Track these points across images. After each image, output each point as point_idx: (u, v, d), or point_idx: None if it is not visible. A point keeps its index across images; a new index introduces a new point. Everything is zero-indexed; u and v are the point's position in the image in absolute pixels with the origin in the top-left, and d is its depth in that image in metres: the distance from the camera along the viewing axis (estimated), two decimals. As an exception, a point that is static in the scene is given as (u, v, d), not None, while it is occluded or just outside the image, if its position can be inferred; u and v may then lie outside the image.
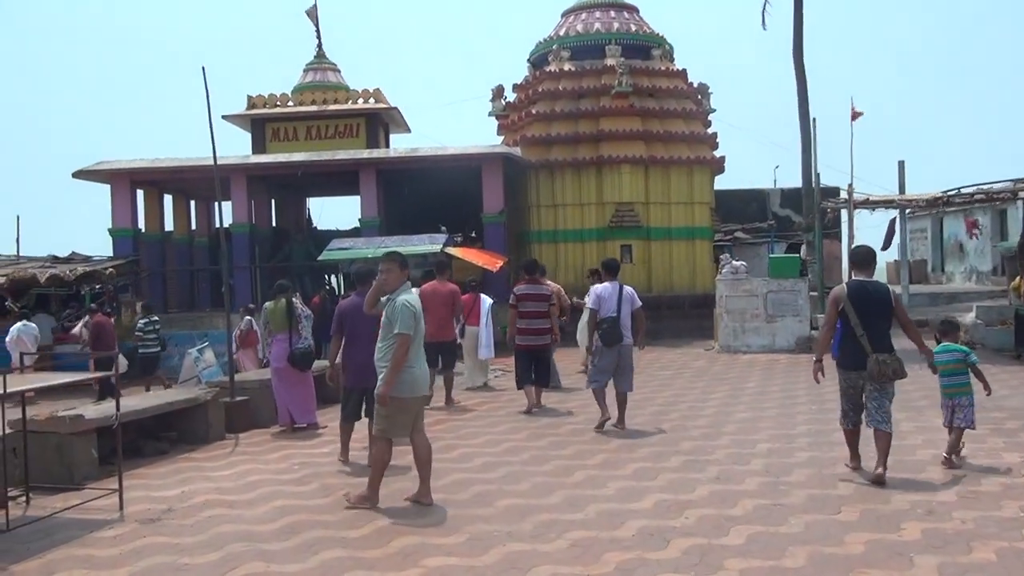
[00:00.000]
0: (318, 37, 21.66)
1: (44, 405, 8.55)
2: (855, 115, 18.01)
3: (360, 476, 6.77)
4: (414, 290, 6.52)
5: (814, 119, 17.10)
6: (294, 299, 9.68)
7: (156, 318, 15.68)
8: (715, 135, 20.59)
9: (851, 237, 18.00)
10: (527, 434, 8.62)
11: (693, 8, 64.17)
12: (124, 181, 18.85)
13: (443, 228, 17.77)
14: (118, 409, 6.25)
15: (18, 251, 24.12)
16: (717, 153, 20.66)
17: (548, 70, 20.38)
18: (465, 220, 21.97)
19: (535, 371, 10.22)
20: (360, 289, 7.54)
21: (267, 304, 9.72)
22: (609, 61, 20.04)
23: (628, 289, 8.82)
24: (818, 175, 17.43)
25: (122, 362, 15.48)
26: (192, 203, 22.60)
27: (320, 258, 16.89)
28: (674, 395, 11.08)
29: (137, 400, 8.37)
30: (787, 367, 13.79)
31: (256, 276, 19.18)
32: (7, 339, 14.67)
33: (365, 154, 19.02)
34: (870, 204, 17.11)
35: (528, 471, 6.93)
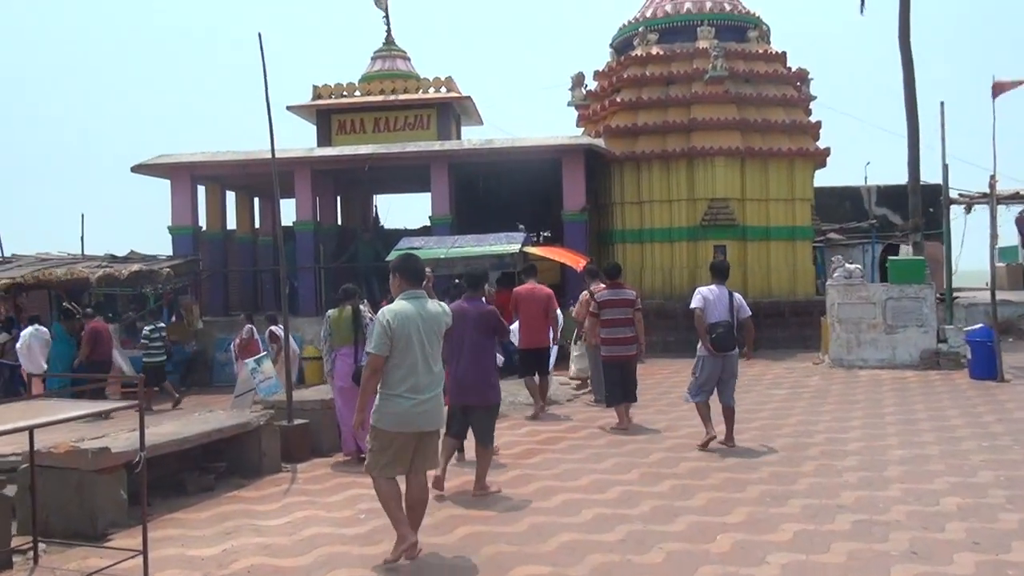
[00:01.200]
0: (387, 23, 20.55)
1: (70, 428, 7.34)
2: (1003, 88, 15.69)
3: (453, 510, 5.42)
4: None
5: (942, 103, 15.18)
6: (361, 306, 8.37)
7: (162, 325, 14.95)
8: (818, 124, 18.71)
9: (983, 236, 15.95)
10: (639, 473, 7.11)
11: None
12: (184, 176, 17.95)
13: (521, 226, 16.37)
14: (143, 443, 4.95)
15: (82, 250, 23.69)
16: (820, 144, 18.77)
17: (634, 55, 18.79)
18: (542, 218, 20.65)
19: (624, 386, 9.35)
20: (469, 294, 6.77)
21: (330, 312, 8.45)
22: (701, 44, 18.36)
23: (737, 296, 8.22)
24: (946, 166, 15.47)
25: (120, 366, 14.41)
26: (256, 200, 21.82)
27: (388, 258, 15.58)
28: (802, 421, 9.42)
29: (178, 426, 7.13)
30: (921, 387, 11.97)
31: (320, 277, 18.12)
32: (17, 345, 13.84)
33: (437, 146, 17.75)
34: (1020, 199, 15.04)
35: (651, 533, 5.43)
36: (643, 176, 18.27)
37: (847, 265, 15.10)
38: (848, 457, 7.58)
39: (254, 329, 14.35)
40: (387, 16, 20.46)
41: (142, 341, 14.28)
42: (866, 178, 32.76)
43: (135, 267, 15.47)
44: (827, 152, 18.71)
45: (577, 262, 15.61)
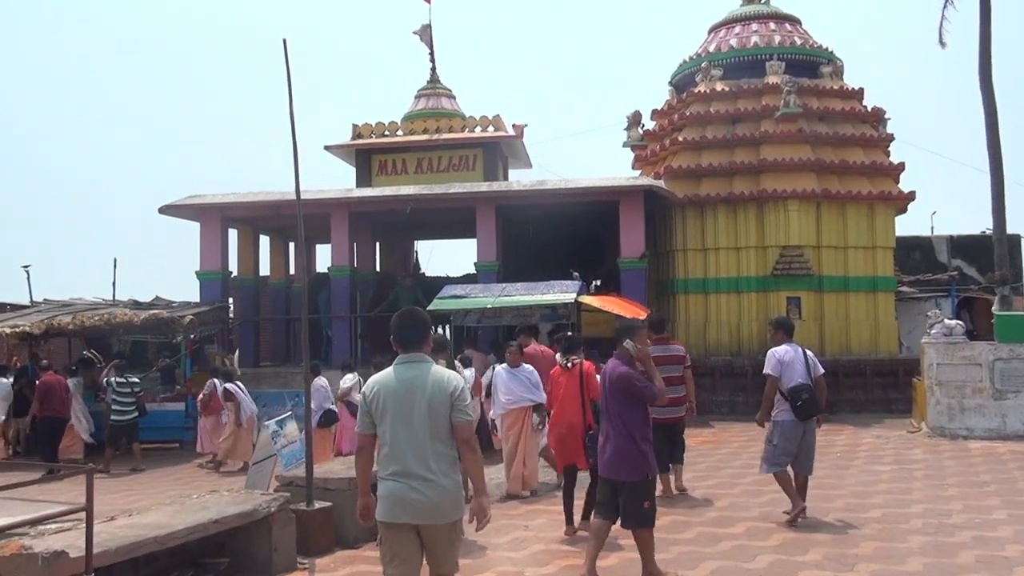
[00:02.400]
0: (432, 59, 19.53)
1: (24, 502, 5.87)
2: None
3: None
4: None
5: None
6: (457, 362, 7.01)
7: (135, 379, 13.53)
8: (901, 166, 17.11)
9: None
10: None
11: (855, 21, 59.74)
12: (214, 218, 16.89)
13: (575, 274, 15.00)
14: (90, 551, 3.52)
15: (114, 295, 22.83)
16: (902, 187, 17.17)
17: (696, 91, 17.47)
18: (593, 266, 19.26)
19: (670, 449, 8.56)
20: (619, 353, 5.86)
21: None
22: (771, 79, 16.98)
23: (810, 353, 7.68)
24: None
25: (82, 428, 13.52)
26: (291, 245, 20.72)
27: (430, 307, 14.30)
28: (929, 511, 7.72)
29: (166, 515, 5.72)
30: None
31: (356, 326, 16.83)
32: None
33: (484, 187, 16.52)
34: None
35: None
36: (708, 221, 16.82)
37: (946, 321, 13.38)
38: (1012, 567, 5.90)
39: (216, 383, 13.25)
40: (432, 51, 19.48)
41: (112, 397, 13.03)
42: (932, 228, 30.84)
43: (144, 314, 14.29)
44: (911, 196, 17.12)
45: (637, 315, 14.12)
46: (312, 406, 9.80)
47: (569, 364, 7.45)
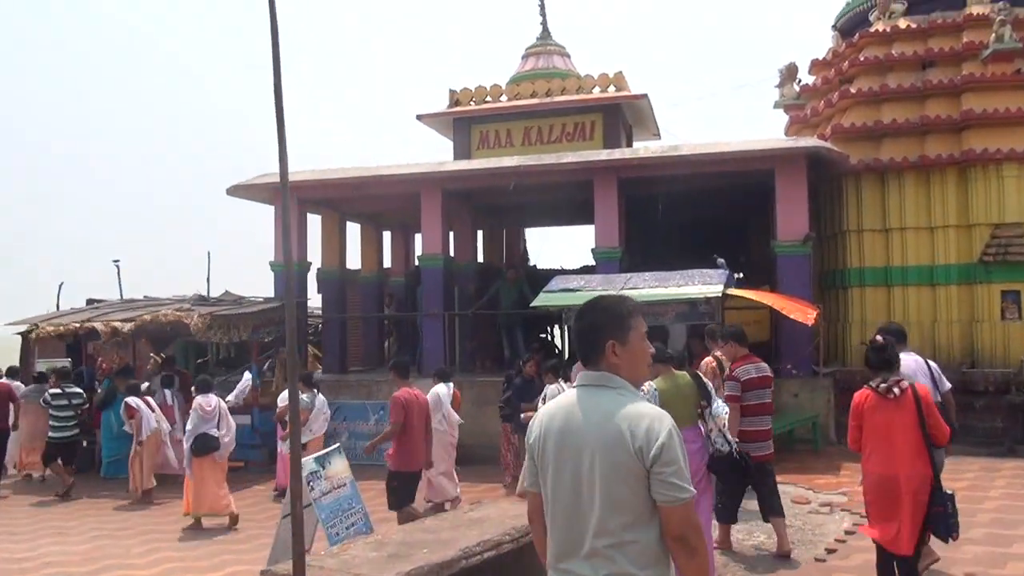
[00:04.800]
0: (543, 12, 16.58)
1: None
2: None
3: None
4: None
5: None
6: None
7: (78, 390, 11.96)
8: None
9: None
10: None
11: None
12: (289, 200, 14.51)
13: (720, 261, 11.85)
14: None
15: (208, 291, 21.38)
16: None
17: (873, 31, 13.89)
18: (737, 254, 15.91)
19: (758, 494, 7.07)
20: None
21: (656, 385, 6.10)
22: (975, 9, 13.21)
23: (933, 364, 6.62)
24: None
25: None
26: (387, 235, 18.53)
27: (534, 303, 11.53)
28: None
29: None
30: None
31: (450, 325, 14.18)
32: None
33: (604, 155, 13.48)
34: None
35: None
36: (891, 193, 13.23)
37: None
38: None
39: (167, 393, 11.80)
40: (543, 4, 16.56)
41: (51, 414, 11.56)
42: None
43: (199, 312, 12.04)
44: None
45: (805, 312, 10.80)
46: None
47: (896, 389, 5.24)
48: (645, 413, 2.50)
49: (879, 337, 5.96)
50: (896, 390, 5.22)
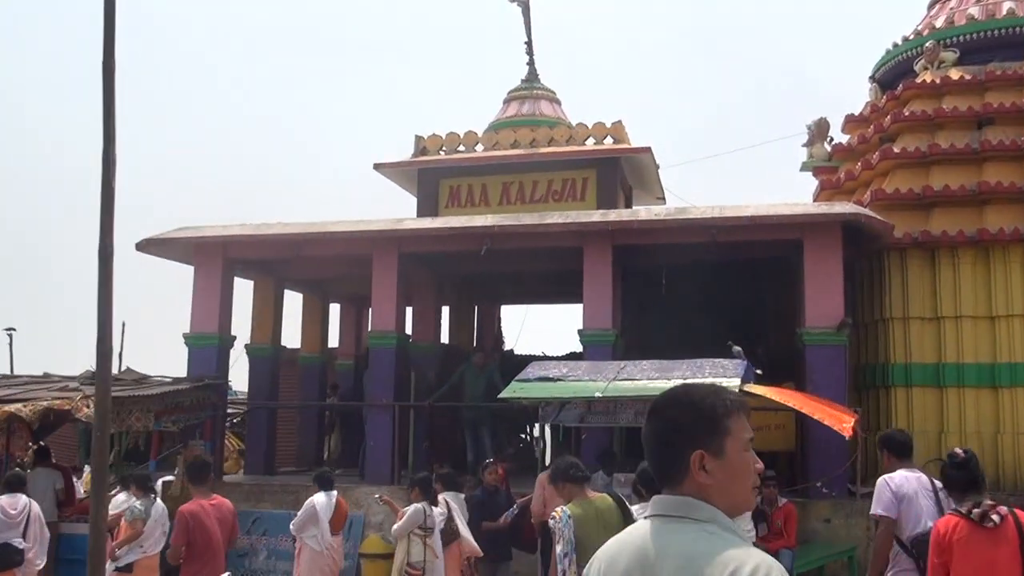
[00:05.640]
0: (529, 49, 16.39)
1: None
2: None
3: None
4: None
5: None
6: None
7: None
8: None
9: None
10: None
11: None
12: (213, 258, 13.98)
13: (735, 348, 11.29)
14: None
15: (120, 365, 20.73)
16: None
17: (919, 81, 13.76)
18: (752, 343, 15.40)
19: None
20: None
21: (568, 510, 5.90)
22: (1043, 60, 13.09)
23: (937, 483, 6.18)
24: None
25: None
26: (336, 308, 18.18)
27: (502, 394, 10.93)
28: None
29: None
30: None
31: (403, 420, 13.51)
32: None
33: (597, 216, 13.06)
34: None
35: None
36: (942, 273, 12.80)
37: None
38: None
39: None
40: (530, 42, 16.38)
41: None
42: None
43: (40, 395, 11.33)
44: None
45: (840, 419, 10.14)
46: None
47: (994, 516, 4.79)
48: (743, 558, 2.12)
49: (959, 450, 5.44)
50: (995, 517, 4.74)
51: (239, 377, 16.30)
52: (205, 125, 63.48)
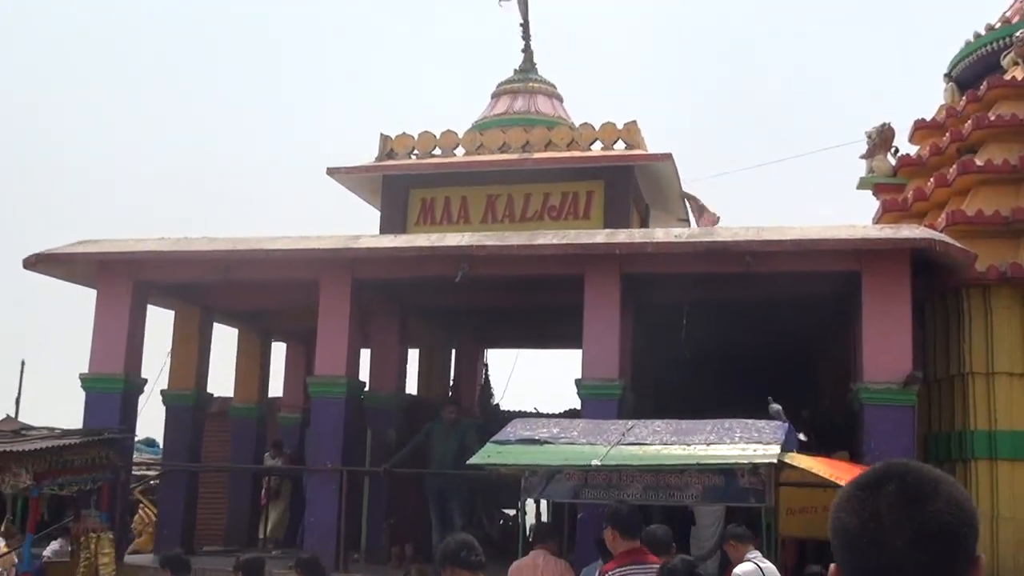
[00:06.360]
0: (525, 33, 15.93)
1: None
2: None
3: None
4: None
5: None
6: None
7: None
8: None
9: None
10: None
11: None
12: (121, 281, 13.46)
13: (775, 406, 10.61)
14: None
15: (17, 412, 20.28)
16: None
17: (1009, 78, 13.66)
18: (800, 399, 15.12)
19: None
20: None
21: None
22: None
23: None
24: None
25: None
26: (280, 348, 17.65)
27: (472, 460, 10.37)
28: None
29: None
30: None
31: (355, 489, 12.97)
32: None
33: (602, 237, 12.55)
34: None
35: None
36: (1038, 318, 12.20)
37: None
38: None
39: None
40: (526, 23, 15.80)
41: None
42: None
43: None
44: None
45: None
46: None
47: None
48: None
49: None
50: None
51: (155, 431, 15.60)
52: (129, 120, 63.25)
